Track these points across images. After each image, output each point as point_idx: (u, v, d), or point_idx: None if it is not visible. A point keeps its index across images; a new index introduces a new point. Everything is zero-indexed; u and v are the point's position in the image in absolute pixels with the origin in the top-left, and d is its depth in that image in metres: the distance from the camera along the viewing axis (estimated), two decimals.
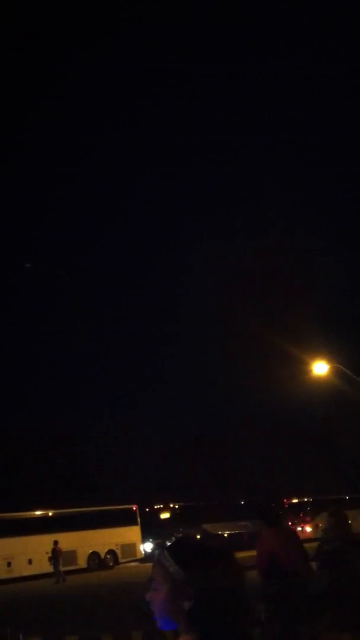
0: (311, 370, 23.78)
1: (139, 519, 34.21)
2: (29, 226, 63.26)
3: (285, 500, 37.94)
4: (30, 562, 28.68)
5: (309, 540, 32.31)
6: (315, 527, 34.80)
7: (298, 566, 6.36)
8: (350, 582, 6.21)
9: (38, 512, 31.10)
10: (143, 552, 33.59)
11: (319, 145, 62.47)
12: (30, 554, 28.56)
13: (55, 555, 27.84)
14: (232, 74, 58.27)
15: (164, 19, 54.55)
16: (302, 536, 31.21)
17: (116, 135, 59.23)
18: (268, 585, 6.32)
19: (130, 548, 33.42)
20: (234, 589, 1.82)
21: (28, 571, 28.59)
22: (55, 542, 27.97)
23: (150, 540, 33.79)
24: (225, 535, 32.87)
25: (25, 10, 51.04)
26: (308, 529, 35.65)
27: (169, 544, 1.96)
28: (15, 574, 28.08)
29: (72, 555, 30.64)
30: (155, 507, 35.82)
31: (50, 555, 28.07)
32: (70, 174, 62.70)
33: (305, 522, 36.64)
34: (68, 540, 30.16)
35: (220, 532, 31.41)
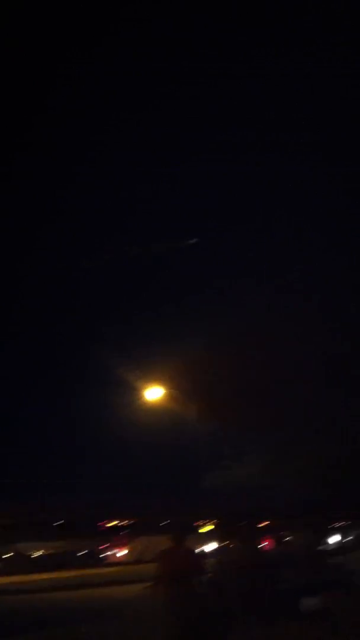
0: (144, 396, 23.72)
1: None
2: None
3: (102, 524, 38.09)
4: None
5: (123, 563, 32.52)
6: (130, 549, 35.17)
7: None
8: None
9: None
10: None
11: None
12: None
13: None
14: None
15: None
16: (115, 558, 31.20)
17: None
18: None
19: None
20: None
21: None
22: None
23: None
24: (37, 554, 32.22)
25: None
26: (123, 552, 35.93)
27: None
28: None
29: None
30: None
31: None
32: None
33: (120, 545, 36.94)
34: None
35: (31, 553, 30.65)
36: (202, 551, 28.63)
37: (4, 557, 31.21)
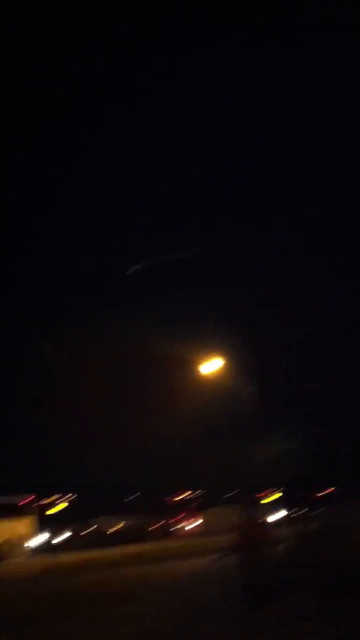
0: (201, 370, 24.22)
1: (29, 512, 34.42)
2: None
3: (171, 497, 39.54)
4: None
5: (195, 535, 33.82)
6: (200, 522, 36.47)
7: None
8: None
9: None
10: (33, 546, 33.88)
11: None
12: None
13: None
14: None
15: None
16: (187, 532, 32.48)
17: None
18: None
19: (20, 541, 33.61)
20: None
21: None
22: None
23: (42, 533, 34.22)
24: (116, 528, 33.81)
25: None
26: (193, 524, 37.30)
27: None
28: None
29: None
30: (46, 500, 36.20)
31: None
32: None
33: (190, 518, 38.25)
34: None
35: (110, 527, 32.28)
36: (270, 521, 29.58)
37: (82, 533, 32.89)
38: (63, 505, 36.37)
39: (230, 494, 38.20)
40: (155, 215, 56.80)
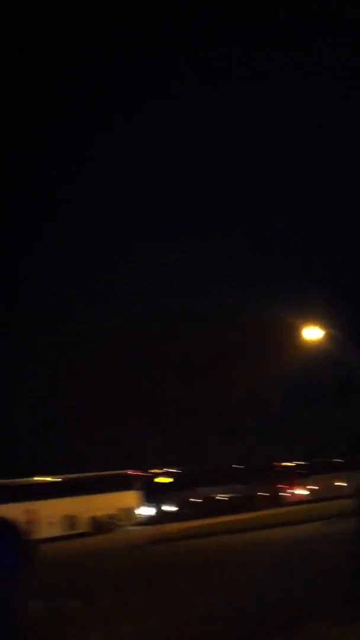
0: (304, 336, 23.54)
1: (136, 484, 35.15)
2: None
3: (277, 464, 39.07)
4: (34, 527, 29.45)
5: (303, 502, 33.42)
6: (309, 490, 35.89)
7: None
8: None
9: (39, 478, 32.04)
10: (141, 516, 34.59)
11: None
12: (34, 518, 29.27)
13: (30, 525, 27.76)
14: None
15: None
16: (294, 498, 32.06)
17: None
18: None
19: (129, 512, 34.39)
20: None
21: (31, 536, 29.43)
22: (27, 512, 27.80)
23: (148, 504, 34.82)
24: (221, 498, 33.84)
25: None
26: (301, 491, 36.72)
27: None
28: None
29: (73, 520, 31.71)
30: (152, 471, 36.70)
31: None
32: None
33: (297, 485, 37.70)
34: (70, 505, 31.27)
35: (215, 496, 32.33)
36: None
37: (189, 503, 33.15)
38: (169, 479, 36.68)
39: (337, 460, 37.42)
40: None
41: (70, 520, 31.57)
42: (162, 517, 30.30)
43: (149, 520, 31.86)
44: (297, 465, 41.60)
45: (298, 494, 36.83)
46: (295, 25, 52.57)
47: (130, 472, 35.29)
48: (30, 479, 31.73)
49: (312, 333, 23.23)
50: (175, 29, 55.61)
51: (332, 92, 60.14)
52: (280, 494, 37.15)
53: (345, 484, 30.78)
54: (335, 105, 61.35)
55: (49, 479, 32.32)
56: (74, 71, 57.55)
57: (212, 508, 30.67)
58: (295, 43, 54.83)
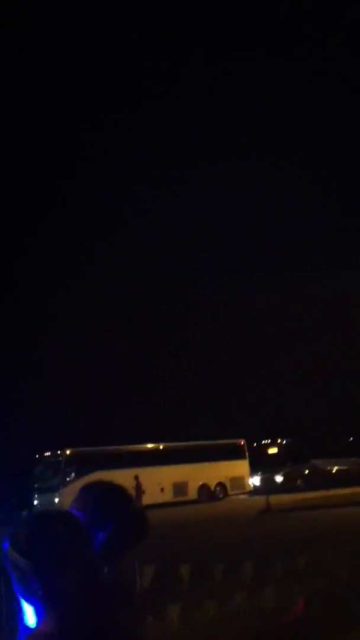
0: None
1: (247, 453, 34.94)
2: None
3: None
4: (143, 493, 29.93)
5: None
6: None
7: None
8: None
9: (150, 445, 32.42)
10: (252, 486, 34.38)
11: None
12: (144, 485, 29.69)
13: (137, 490, 27.76)
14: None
15: None
16: None
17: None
18: None
19: (239, 481, 34.23)
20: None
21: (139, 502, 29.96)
22: (137, 477, 28.19)
23: (259, 474, 34.51)
24: (334, 470, 32.92)
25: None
26: None
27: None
28: None
29: (183, 487, 31.93)
30: (264, 441, 36.31)
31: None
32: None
33: None
34: (179, 472, 31.48)
35: (328, 468, 31.49)
36: None
37: (305, 473, 32.55)
38: (280, 450, 36.07)
39: None
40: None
41: (180, 488, 31.80)
42: (272, 488, 29.85)
43: (259, 490, 31.50)
44: None
45: None
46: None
47: (241, 441, 35.12)
48: (139, 445, 32.16)
49: None
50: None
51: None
52: None
53: None
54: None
55: (160, 445, 32.66)
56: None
57: (324, 480, 29.88)
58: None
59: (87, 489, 2.27)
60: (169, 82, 59.50)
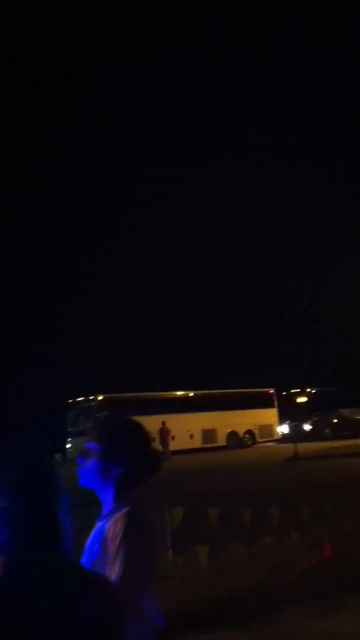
0: None
1: (276, 402, 35.17)
2: None
3: None
4: (173, 438, 30.41)
5: None
6: None
7: None
8: None
9: (180, 393, 32.82)
10: (280, 434, 34.72)
11: None
12: (174, 431, 30.14)
13: (163, 435, 28.12)
14: None
15: None
16: None
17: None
18: None
19: (268, 429, 34.60)
20: None
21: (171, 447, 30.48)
22: (163, 423, 28.49)
23: (287, 422, 34.80)
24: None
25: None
26: None
27: None
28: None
29: (212, 434, 32.39)
30: (292, 390, 36.47)
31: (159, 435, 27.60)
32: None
33: None
34: (209, 419, 31.90)
35: (356, 417, 31.54)
36: None
37: (333, 421, 32.67)
38: (309, 398, 36.14)
39: None
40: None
41: (209, 434, 32.28)
42: (300, 436, 30.12)
43: (288, 438, 31.81)
44: None
45: None
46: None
47: (270, 390, 35.33)
48: (170, 392, 32.58)
49: None
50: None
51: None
52: None
53: None
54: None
55: (190, 393, 33.04)
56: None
57: (352, 429, 29.98)
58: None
59: (105, 422, 2.42)
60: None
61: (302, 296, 48.09)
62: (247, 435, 33.71)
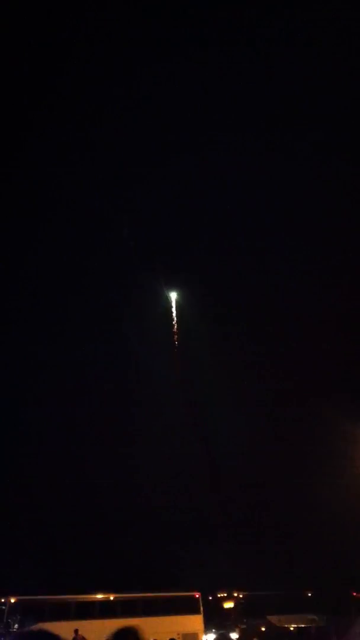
0: None
1: (201, 608, 33.21)
2: None
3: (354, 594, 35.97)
4: None
5: None
6: None
7: None
8: None
9: (100, 596, 30.74)
10: None
11: None
12: (90, 637, 27.83)
13: None
14: None
15: None
16: None
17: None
18: None
19: (192, 638, 32.29)
20: None
21: None
22: (76, 631, 26.44)
23: (213, 630, 32.68)
24: (292, 628, 31.36)
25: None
26: None
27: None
28: None
29: None
30: (219, 595, 34.74)
31: None
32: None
33: None
34: (129, 626, 29.65)
35: (286, 625, 30.02)
36: None
37: (261, 630, 31.07)
38: (235, 604, 34.55)
39: None
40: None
41: None
42: None
43: None
44: None
45: None
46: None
47: (196, 594, 33.44)
48: (87, 595, 30.50)
49: None
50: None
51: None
52: None
53: None
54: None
55: (110, 596, 31.00)
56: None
57: (281, 638, 28.41)
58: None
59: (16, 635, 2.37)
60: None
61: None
62: None
